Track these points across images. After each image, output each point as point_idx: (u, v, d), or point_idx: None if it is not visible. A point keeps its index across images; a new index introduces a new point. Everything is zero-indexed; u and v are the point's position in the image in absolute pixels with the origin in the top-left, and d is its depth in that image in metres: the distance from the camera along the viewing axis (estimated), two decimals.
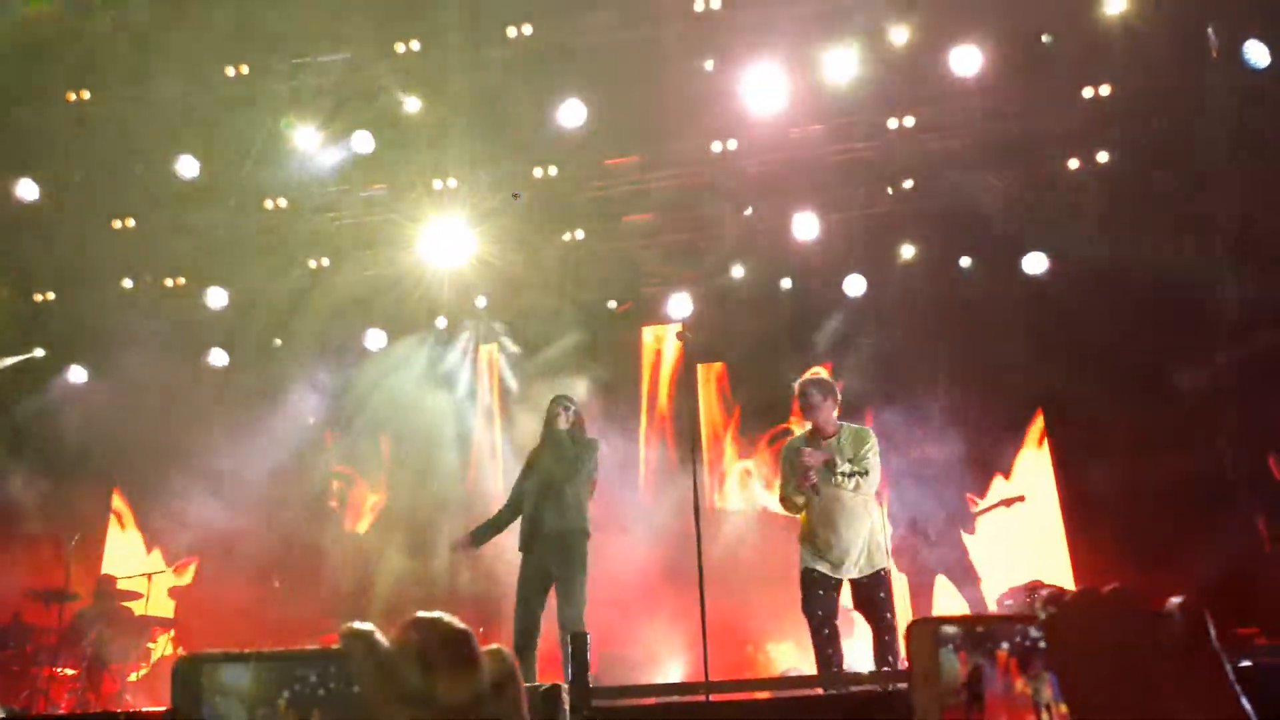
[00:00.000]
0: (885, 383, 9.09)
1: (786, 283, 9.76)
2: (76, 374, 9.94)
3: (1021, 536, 8.11)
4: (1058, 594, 0.68)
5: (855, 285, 9.46)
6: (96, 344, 9.60)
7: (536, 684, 3.75)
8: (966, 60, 8.12)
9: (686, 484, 6.77)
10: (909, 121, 8.90)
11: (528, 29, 8.51)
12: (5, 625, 7.49)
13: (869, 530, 5.26)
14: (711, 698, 4.38)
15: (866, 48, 8.31)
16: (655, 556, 8.05)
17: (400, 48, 8.64)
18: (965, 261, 9.53)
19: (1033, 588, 6.48)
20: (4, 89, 8.33)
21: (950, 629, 0.68)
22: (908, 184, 9.32)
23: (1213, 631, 0.64)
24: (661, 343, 10.32)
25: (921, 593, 6.86)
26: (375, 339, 9.85)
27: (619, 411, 9.63)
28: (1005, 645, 0.68)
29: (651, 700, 4.59)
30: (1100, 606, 0.66)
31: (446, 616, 0.58)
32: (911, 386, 8.84)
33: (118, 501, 10.15)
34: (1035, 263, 9.26)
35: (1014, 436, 9.30)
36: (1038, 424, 9.35)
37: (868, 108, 8.79)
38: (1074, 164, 8.95)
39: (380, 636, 0.56)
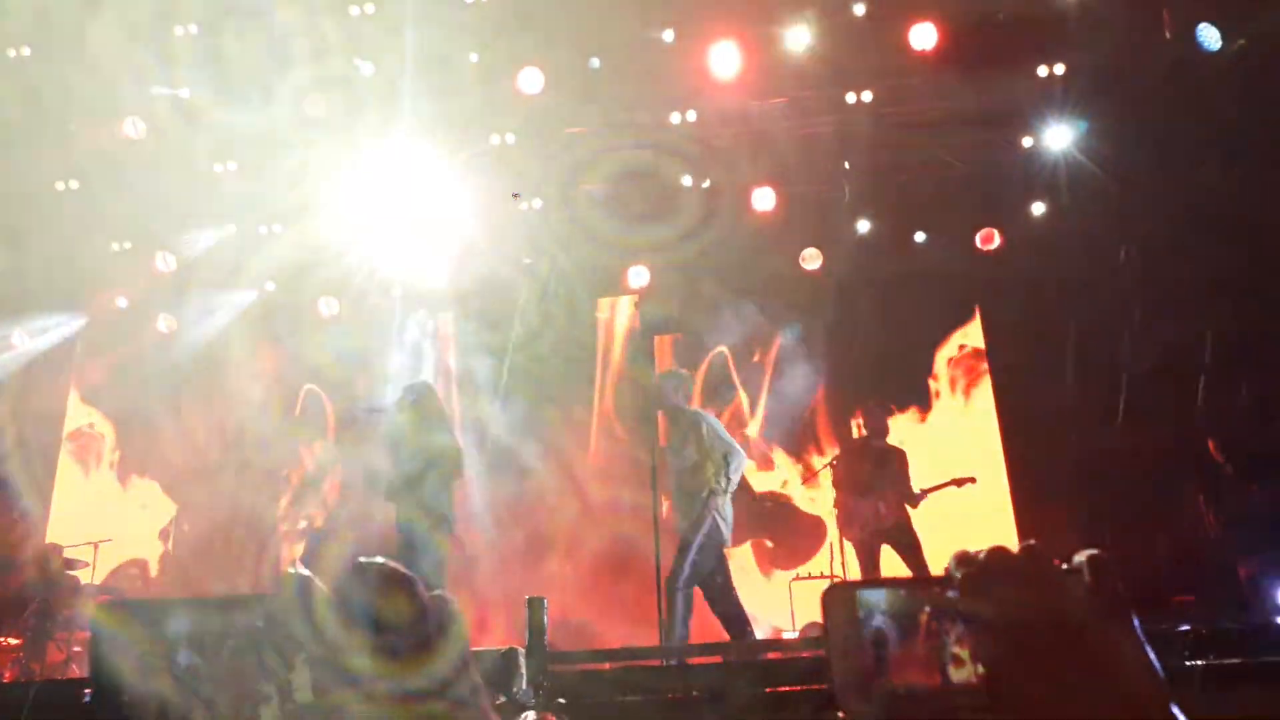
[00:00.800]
0: (841, 358, 9.23)
1: (744, 255, 9.78)
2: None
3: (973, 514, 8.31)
4: (968, 555, 0.69)
5: (812, 259, 9.51)
6: (49, 307, 9.38)
7: (496, 647, 3.78)
8: (924, 35, 8.17)
9: (643, 456, 6.85)
10: (866, 97, 8.94)
11: None
12: None
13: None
14: (666, 662, 4.44)
15: (825, 21, 8.33)
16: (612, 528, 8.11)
17: (355, 10, 8.49)
18: (920, 236, 9.62)
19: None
20: None
21: (869, 594, 0.70)
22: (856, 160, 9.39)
23: (1119, 585, 0.66)
24: (616, 314, 10.33)
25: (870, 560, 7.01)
26: (328, 305, 9.71)
27: (575, 383, 9.69)
28: (926, 608, 0.69)
29: (606, 665, 4.64)
30: (1010, 564, 0.67)
31: (385, 560, 0.60)
32: (865, 359, 9.00)
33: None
34: (988, 238, 9.40)
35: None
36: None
37: (826, 82, 8.82)
38: (1027, 141, 9.07)
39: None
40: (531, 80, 8.63)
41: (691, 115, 9.15)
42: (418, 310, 10.26)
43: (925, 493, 7.16)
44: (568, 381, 9.89)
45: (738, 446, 6.22)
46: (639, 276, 9.58)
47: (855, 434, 8.81)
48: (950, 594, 0.69)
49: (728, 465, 6.05)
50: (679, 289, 9.60)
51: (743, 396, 9.91)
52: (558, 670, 3.91)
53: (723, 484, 6.02)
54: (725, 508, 6.05)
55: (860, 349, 9.26)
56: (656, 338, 9.13)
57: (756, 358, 9.94)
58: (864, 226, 9.61)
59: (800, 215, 9.55)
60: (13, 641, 7.29)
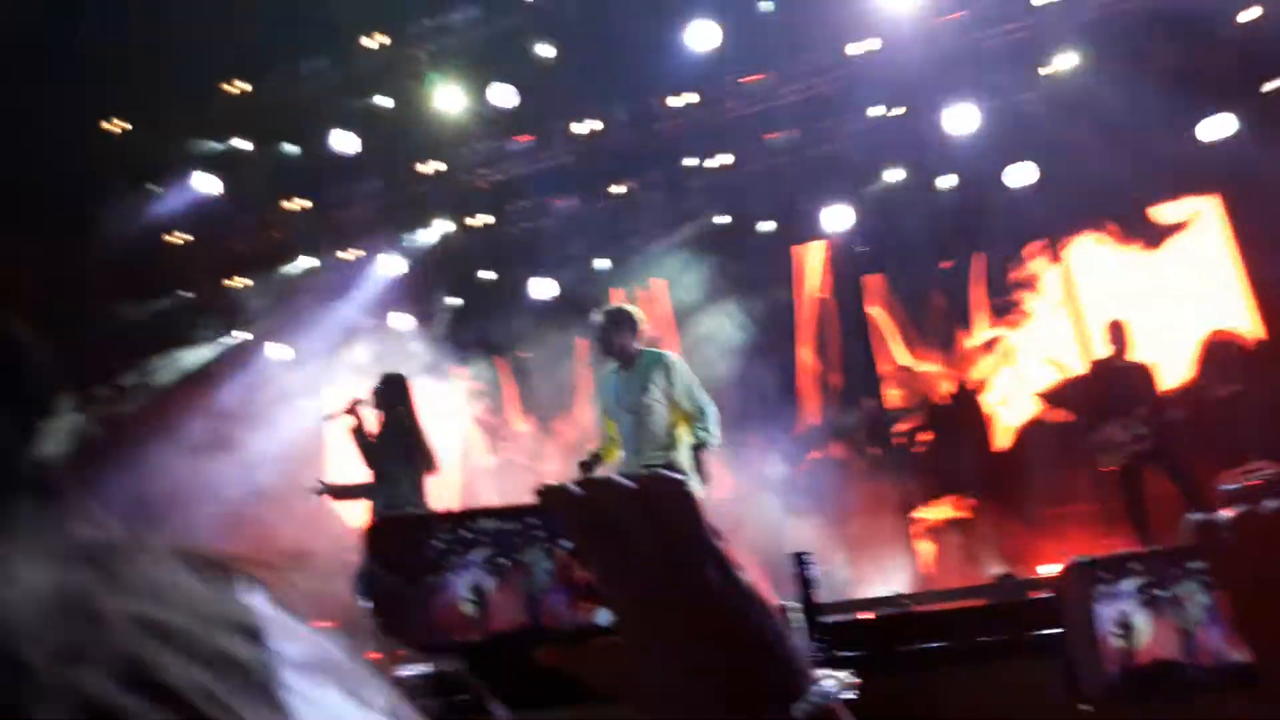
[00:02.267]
0: None
1: (947, 181, 9.41)
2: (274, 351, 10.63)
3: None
4: (1210, 521, 0.64)
5: (1025, 174, 9.02)
6: (291, 324, 10.27)
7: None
8: None
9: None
10: None
11: None
12: None
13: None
14: (937, 606, 4.45)
15: None
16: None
17: None
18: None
19: (1248, 470, 6.19)
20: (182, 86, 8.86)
21: (1109, 570, 0.67)
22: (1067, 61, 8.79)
23: None
24: (814, 259, 10.24)
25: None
26: (540, 287, 10.10)
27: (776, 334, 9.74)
28: (1171, 583, 0.66)
29: (872, 615, 4.70)
30: (1264, 527, 0.62)
31: (664, 472, 0.63)
32: None
33: None
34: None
35: None
36: None
37: None
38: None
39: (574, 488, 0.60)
40: (704, 35, 8.58)
41: (875, 43, 8.88)
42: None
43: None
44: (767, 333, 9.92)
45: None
46: (836, 218, 9.39)
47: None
48: (1192, 564, 0.65)
49: (706, 417, 5.24)
50: (884, 226, 9.37)
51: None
52: (829, 622, 4.00)
53: (708, 437, 5.24)
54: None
55: None
56: (865, 278, 9.03)
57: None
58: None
59: (1002, 129, 9.08)
60: None
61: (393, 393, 6.21)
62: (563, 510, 0.60)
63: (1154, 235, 9.22)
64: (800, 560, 3.94)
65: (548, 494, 0.60)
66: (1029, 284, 9.53)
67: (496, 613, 0.60)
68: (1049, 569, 6.88)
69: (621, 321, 5.35)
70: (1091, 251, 9.38)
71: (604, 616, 0.60)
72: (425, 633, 0.59)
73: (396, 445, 6.03)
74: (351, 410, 6.14)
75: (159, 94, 8.73)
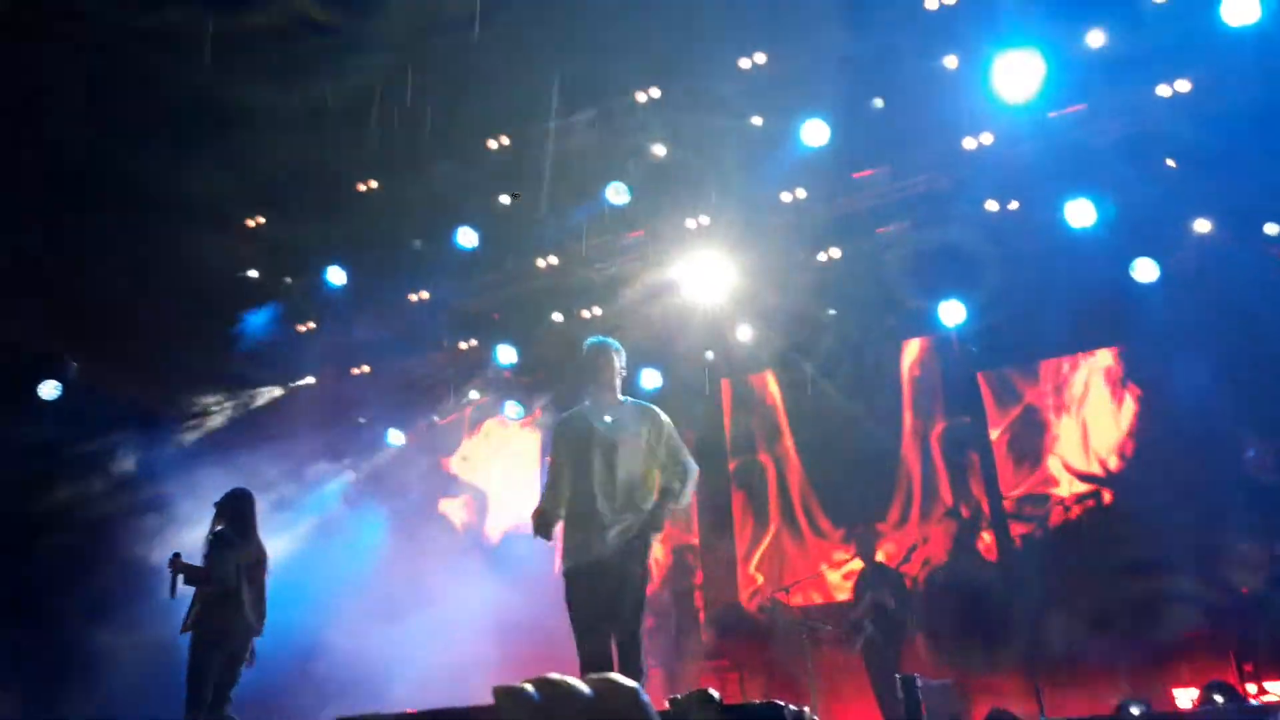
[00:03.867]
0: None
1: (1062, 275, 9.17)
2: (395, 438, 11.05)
3: None
4: None
5: (1145, 271, 8.73)
6: (409, 413, 10.68)
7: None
8: (1240, 9, 7.31)
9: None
10: (1182, 87, 8.18)
11: (760, 58, 8.68)
12: None
13: None
14: None
15: (1123, 12, 7.77)
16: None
17: (641, 97, 9.04)
18: (1273, 229, 8.58)
19: None
20: (310, 188, 9.49)
21: None
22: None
23: None
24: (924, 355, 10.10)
25: None
26: (650, 378, 10.22)
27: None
28: None
29: None
30: None
31: (619, 679, 0.63)
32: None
33: None
34: None
35: None
36: None
37: (1130, 79, 8.19)
38: None
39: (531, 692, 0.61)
40: (815, 132, 8.69)
41: (987, 138, 8.83)
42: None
43: None
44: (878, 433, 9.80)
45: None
46: (952, 313, 9.25)
47: None
48: None
49: (688, 475, 4.86)
50: (999, 320, 9.18)
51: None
52: None
53: (681, 493, 4.85)
54: None
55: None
56: (980, 374, 8.81)
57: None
58: (1202, 226, 8.74)
59: (1122, 223, 8.84)
60: None
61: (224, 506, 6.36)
62: (519, 715, 0.60)
63: None
64: (907, 684, 3.84)
65: (505, 696, 0.61)
66: None
67: None
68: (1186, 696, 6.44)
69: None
70: None
71: None
72: None
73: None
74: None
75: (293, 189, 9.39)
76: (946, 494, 9.56)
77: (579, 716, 0.60)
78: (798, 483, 10.24)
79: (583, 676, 0.64)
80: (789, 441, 10.49)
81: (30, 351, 9.59)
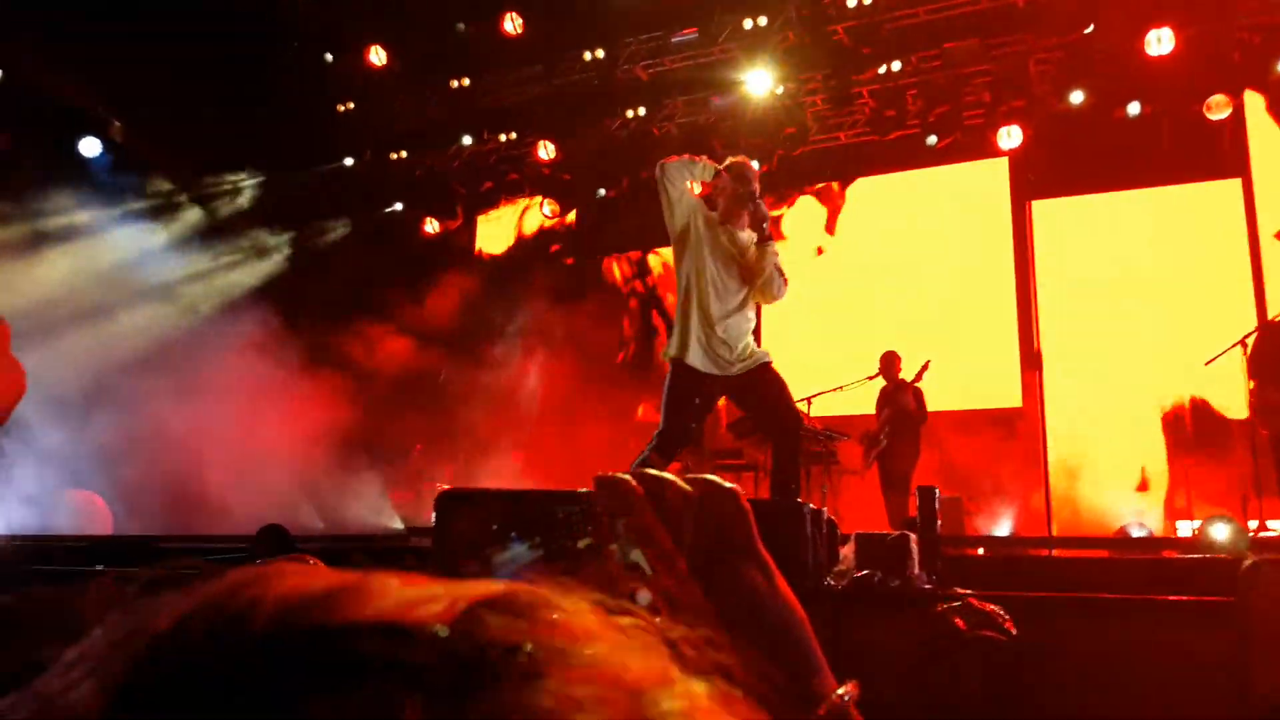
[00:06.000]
0: None
1: (1134, 107, 8.73)
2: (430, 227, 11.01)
3: None
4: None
5: (1219, 108, 8.28)
6: (444, 198, 10.58)
7: (883, 533, 3.94)
8: None
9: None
10: None
11: None
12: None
13: None
14: (1054, 553, 4.37)
15: None
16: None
17: None
18: None
19: None
20: None
21: None
22: None
23: None
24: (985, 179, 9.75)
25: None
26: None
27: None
28: None
29: (994, 553, 4.65)
30: None
31: (719, 480, 0.64)
32: None
33: None
34: None
35: None
36: None
37: None
38: None
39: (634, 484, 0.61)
40: None
41: None
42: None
43: None
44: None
45: None
46: (1011, 137, 8.86)
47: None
48: None
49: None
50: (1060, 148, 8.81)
51: None
52: (950, 554, 4.00)
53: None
54: None
55: None
56: (1030, 203, 8.54)
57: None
58: None
59: (1203, 59, 8.31)
60: (444, 486, 8.72)
61: None
62: (620, 500, 0.62)
63: None
64: (925, 494, 3.93)
65: (604, 483, 0.62)
66: None
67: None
68: (1188, 526, 6.58)
69: None
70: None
71: (644, 597, 0.62)
72: None
73: None
74: None
75: None
76: None
77: (677, 504, 0.61)
78: None
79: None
80: None
81: None
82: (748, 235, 4.39)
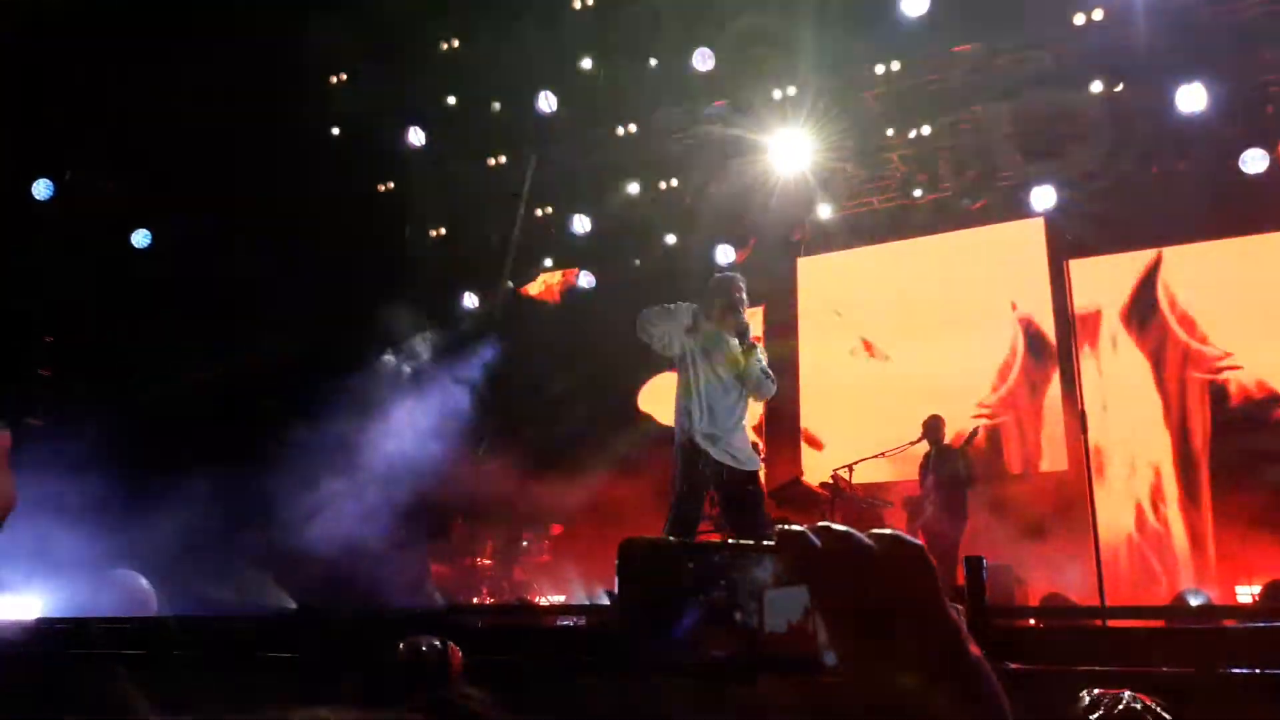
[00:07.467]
0: None
1: (1167, 162, 8.69)
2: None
3: None
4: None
5: (1255, 161, 8.23)
6: (483, 273, 10.73)
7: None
8: None
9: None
10: None
11: None
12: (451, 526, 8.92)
13: None
14: (1108, 623, 4.24)
15: None
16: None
17: None
18: None
19: None
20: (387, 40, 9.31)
21: None
22: None
23: None
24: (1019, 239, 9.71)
25: None
26: (724, 253, 10.08)
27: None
28: None
29: (1045, 623, 4.53)
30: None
31: (903, 536, 0.64)
32: None
33: None
34: None
35: None
36: None
37: None
38: None
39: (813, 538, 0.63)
40: (914, 3, 8.24)
41: (1098, 14, 8.28)
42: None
43: None
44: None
45: None
46: (1044, 197, 8.85)
47: None
48: None
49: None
50: (1093, 207, 8.78)
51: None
52: (998, 625, 3.89)
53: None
54: None
55: None
56: (1069, 262, 8.46)
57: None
58: None
59: (1235, 113, 8.29)
60: (486, 562, 8.64)
61: None
62: (800, 556, 0.63)
63: None
64: (973, 564, 3.85)
65: (786, 538, 0.64)
66: None
67: (725, 638, 0.65)
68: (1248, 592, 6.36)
69: None
70: None
71: (830, 658, 0.63)
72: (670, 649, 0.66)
73: None
74: None
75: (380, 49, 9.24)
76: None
77: (858, 561, 0.62)
78: None
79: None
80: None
81: None
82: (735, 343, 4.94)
